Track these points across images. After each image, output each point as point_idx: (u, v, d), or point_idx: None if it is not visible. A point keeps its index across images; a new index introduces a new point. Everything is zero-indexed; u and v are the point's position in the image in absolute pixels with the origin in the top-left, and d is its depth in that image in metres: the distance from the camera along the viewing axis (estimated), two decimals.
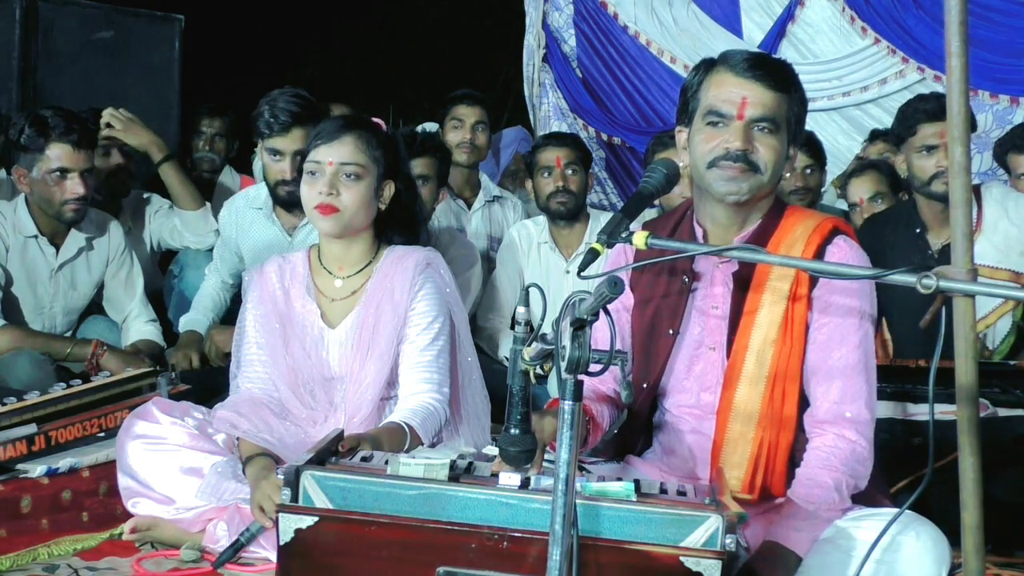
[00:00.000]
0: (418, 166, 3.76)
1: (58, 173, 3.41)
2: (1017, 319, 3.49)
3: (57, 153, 3.41)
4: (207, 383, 3.15)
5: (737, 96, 2.10)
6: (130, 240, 3.87)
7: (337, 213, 2.56)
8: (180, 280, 4.08)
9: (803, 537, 1.97)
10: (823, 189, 4.34)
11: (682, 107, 2.23)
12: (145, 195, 4.28)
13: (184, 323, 3.76)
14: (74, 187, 3.43)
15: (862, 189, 4.04)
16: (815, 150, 4.06)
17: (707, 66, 2.19)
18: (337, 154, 2.57)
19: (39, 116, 3.46)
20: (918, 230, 3.48)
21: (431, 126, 4.62)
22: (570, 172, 4.00)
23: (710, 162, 2.12)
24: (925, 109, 3.34)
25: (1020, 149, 4.01)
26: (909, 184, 3.50)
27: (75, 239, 3.61)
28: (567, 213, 4.03)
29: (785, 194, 3.97)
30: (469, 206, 4.45)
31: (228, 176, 4.78)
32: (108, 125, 3.98)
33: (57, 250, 3.58)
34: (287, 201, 3.47)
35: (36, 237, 3.54)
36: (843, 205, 4.53)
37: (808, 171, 4.02)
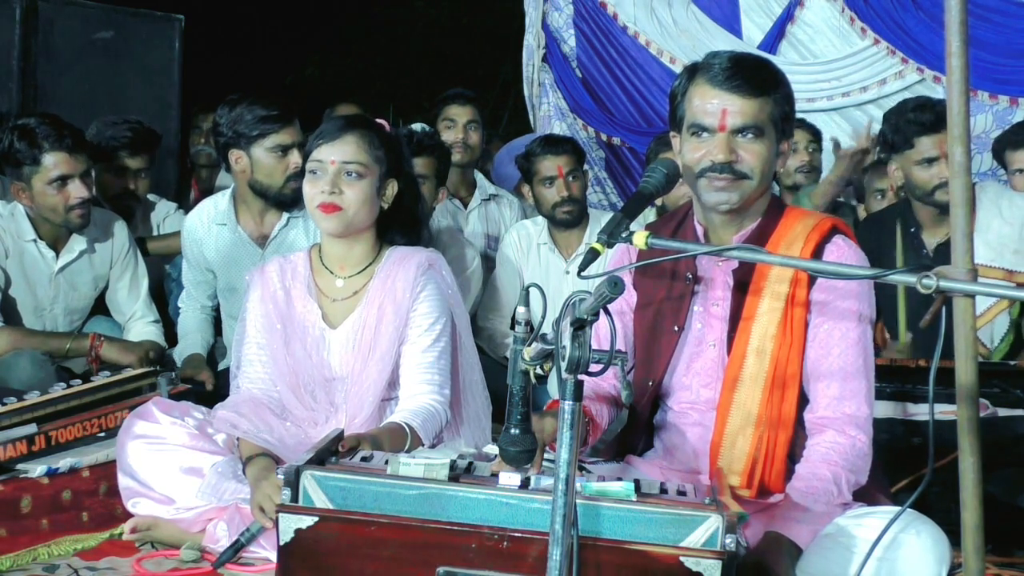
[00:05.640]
0: (417, 165, 3.76)
1: (59, 182, 3.36)
2: (1015, 317, 3.48)
3: (54, 161, 3.35)
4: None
5: (717, 108, 2.12)
6: (139, 245, 3.82)
7: (340, 212, 2.56)
8: (179, 282, 4.07)
9: (803, 529, 1.98)
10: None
11: (672, 113, 2.24)
12: (152, 199, 4.26)
13: (179, 353, 3.62)
14: (77, 191, 3.37)
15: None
16: (813, 129, 4.43)
17: (690, 73, 2.20)
18: (339, 153, 2.57)
19: (26, 128, 3.36)
20: (912, 229, 3.48)
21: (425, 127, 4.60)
22: (571, 179, 4.00)
23: (698, 173, 2.15)
24: (921, 122, 3.32)
25: (1016, 145, 4.02)
26: (905, 190, 3.50)
27: (76, 242, 3.55)
28: (573, 221, 4.04)
29: (791, 173, 4.27)
30: (465, 205, 4.44)
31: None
32: None
33: (57, 254, 3.53)
34: (291, 199, 3.41)
35: (35, 241, 3.49)
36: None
37: (811, 148, 4.31)
